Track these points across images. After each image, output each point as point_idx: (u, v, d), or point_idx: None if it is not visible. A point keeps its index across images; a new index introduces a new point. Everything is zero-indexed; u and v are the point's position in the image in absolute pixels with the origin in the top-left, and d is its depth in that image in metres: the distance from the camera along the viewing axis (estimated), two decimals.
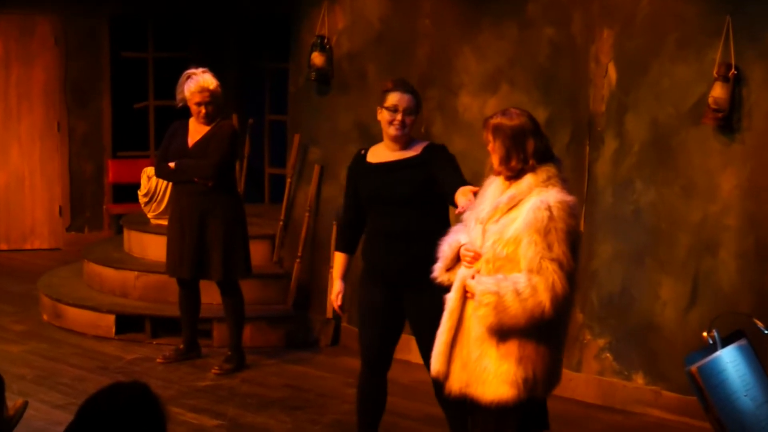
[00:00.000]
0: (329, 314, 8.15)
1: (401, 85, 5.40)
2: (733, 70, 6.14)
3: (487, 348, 4.43)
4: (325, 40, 8.16)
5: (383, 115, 5.38)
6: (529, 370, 4.41)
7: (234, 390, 7.06)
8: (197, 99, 7.21)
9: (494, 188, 4.57)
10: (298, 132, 8.61)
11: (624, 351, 6.80)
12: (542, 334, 4.42)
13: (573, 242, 4.36)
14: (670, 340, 6.57)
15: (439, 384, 5.42)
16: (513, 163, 4.46)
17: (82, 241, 10.83)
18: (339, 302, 5.60)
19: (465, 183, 5.09)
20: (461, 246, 4.57)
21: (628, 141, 6.69)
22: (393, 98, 5.35)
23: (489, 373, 4.42)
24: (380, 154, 5.47)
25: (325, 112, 8.31)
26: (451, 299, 4.57)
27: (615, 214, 6.75)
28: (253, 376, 7.36)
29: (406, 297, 5.37)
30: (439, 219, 5.32)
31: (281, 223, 8.69)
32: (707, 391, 5.76)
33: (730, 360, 5.73)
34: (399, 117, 5.33)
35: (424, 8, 7.63)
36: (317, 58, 8.14)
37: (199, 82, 7.21)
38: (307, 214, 8.39)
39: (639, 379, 6.75)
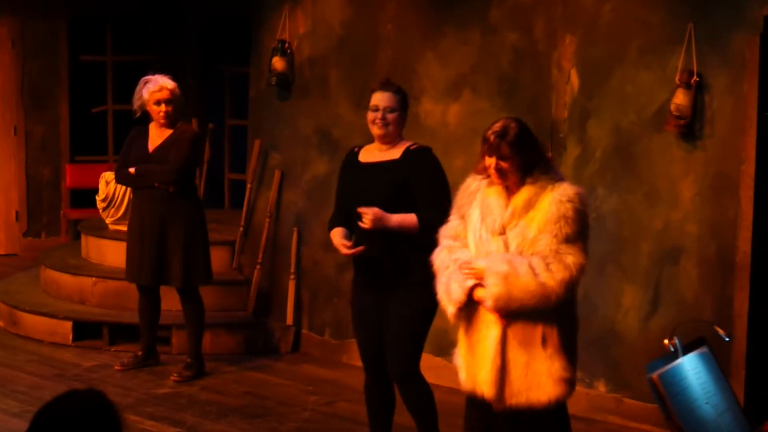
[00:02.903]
0: (289, 320, 8.12)
1: (382, 85, 5.46)
2: (695, 77, 6.15)
3: (534, 350, 4.53)
4: (286, 45, 8.10)
5: (368, 116, 5.40)
6: (571, 361, 4.61)
7: (193, 397, 6.99)
8: (157, 97, 7.16)
9: (496, 198, 4.61)
10: (258, 137, 8.54)
11: (586, 358, 6.76)
12: (566, 324, 4.59)
13: (587, 231, 4.54)
14: (631, 347, 6.57)
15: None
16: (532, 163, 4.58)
17: (39, 247, 10.69)
18: (348, 244, 5.30)
19: (439, 196, 5.04)
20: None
21: (590, 147, 6.69)
22: (374, 98, 5.40)
23: (542, 375, 4.54)
24: (370, 153, 5.48)
25: (286, 117, 8.25)
26: (488, 325, 4.59)
27: None
28: (212, 383, 7.30)
29: (383, 299, 5.37)
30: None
31: (241, 229, 8.62)
32: (668, 398, 5.76)
33: (691, 368, 5.74)
34: (379, 115, 5.34)
35: (387, 13, 7.59)
36: (278, 63, 8.09)
37: (158, 81, 7.22)
38: (267, 220, 8.33)
39: (601, 387, 6.74)
